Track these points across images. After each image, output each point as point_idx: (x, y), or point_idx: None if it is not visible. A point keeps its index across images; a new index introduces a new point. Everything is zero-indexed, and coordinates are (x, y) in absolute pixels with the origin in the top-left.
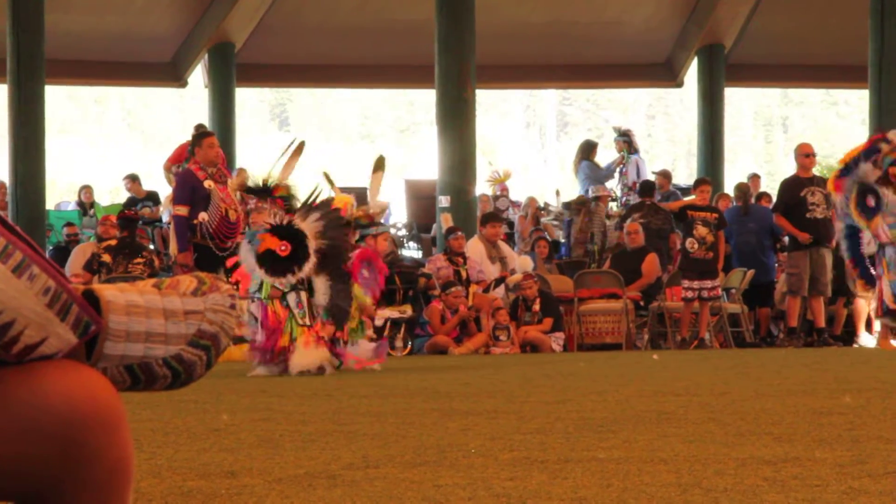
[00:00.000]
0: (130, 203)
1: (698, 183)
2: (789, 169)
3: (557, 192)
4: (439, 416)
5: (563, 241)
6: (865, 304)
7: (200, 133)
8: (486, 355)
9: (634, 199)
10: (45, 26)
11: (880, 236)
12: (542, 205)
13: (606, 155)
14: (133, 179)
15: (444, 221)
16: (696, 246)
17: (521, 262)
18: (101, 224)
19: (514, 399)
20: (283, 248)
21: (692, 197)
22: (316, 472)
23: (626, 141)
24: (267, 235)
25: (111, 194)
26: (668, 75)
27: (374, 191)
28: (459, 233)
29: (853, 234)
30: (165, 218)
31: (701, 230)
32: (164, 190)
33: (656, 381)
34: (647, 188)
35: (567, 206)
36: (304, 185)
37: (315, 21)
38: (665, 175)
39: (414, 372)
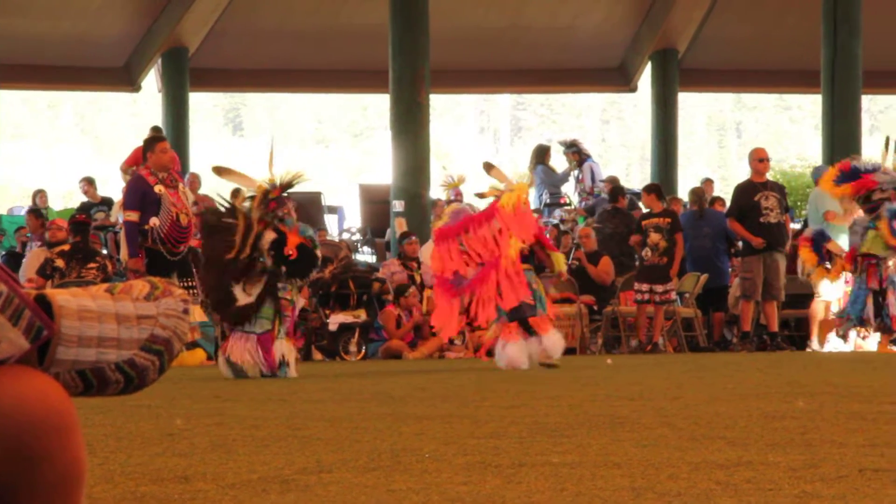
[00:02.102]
0: (85, 208)
1: (649, 189)
2: (742, 174)
3: None
4: (393, 421)
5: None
6: (820, 308)
7: (153, 138)
8: (440, 360)
9: (601, 203)
10: None
11: None
12: None
13: (561, 161)
14: (89, 183)
15: (398, 226)
16: (650, 253)
17: None
18: (49, 228)
19: (468, 403)
20: (292, 252)
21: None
22: (269, 477)
23: (576, 151)
24: (292, 233)
25: (64, 199)
26: (621, 80)
27: None
28: (413, 237)
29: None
30: (121, 219)
31: (654, 237)
32: (118, 195)
33: (610, 386)
34: (615, 193)
35: None
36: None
37: (269, 25)
38: (613, 181)
39: (368, 376)
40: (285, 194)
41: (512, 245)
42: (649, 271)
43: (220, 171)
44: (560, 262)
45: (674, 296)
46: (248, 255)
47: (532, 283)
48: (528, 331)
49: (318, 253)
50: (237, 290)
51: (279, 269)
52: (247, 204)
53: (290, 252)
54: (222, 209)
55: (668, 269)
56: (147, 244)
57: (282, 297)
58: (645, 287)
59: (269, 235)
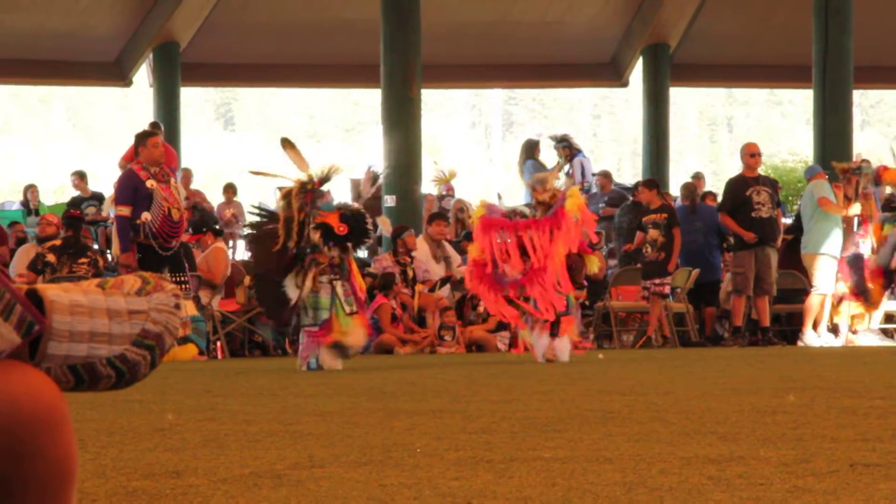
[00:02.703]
0: (76, 202)
1: (646, 184)
2: (734, 168)
3: (499, 196)
4: (385, 416)
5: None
6: (816, 302)
7: (145, 132)
8: (431, 354)
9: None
10: None
11: None
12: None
13: (551, 155)
14: (81, 177)
15: (383, 225)
16: (649, 249)
17: None
18: (39, 223)
19: (459, 398)
20: (341, 228)
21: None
22: (261, 472)
23: (566, 145)
24: (329, 214)
25: (55, 194)
26: (613, 75)
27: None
28: (412, 230)
29: None
30: (113, 214)
31: (652, 233)
32: (110, 190)
33: (602, 381)
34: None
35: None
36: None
37: (260, 20)
38: (606, 175)
39: (359, 371)
40: (324, 188)
41: (559, 251)
42: (649, 267)
43: (285, 143)
44: (593, 264)
45: (667, 290)
46: (296, 246)
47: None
48: (553, 331)
49: (361, 209)
50: (290, 288)
51: (346, 248)
52: (282, 202)
53: (341, 229)
54: (260, 218)
55: (665, 264)
56: (139, 239)
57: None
58: (647, 283)
59: (315, 235)
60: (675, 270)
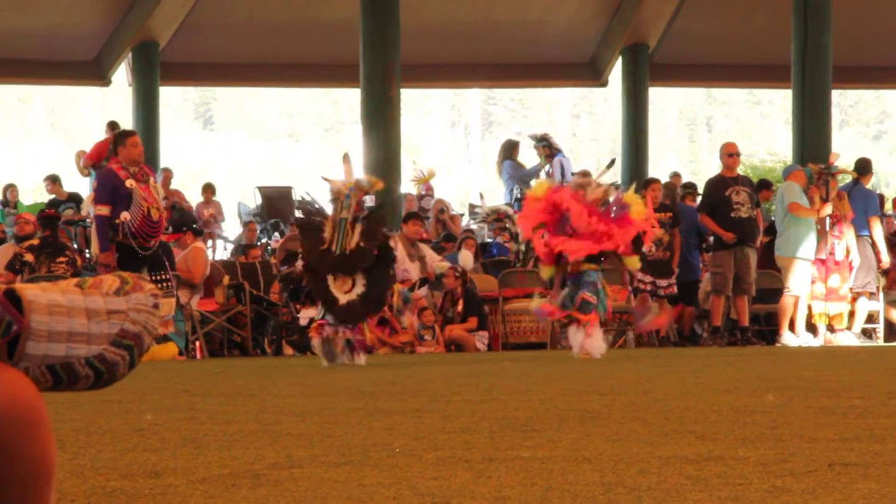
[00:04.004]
0: (54, 204)
1: (647, 183)
2: (713, 168)
3: (481, 196)
4: (364, 416)
5: (488, 240)
6: (790, 303)
7: (124, 132)
8: (410, 354)
9: None
10: None
11: None
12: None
13: (530, 156)
14: (53, 181)
15: (463, 259)
16: (653, 248)
17: (464, 258)
18: (17, 223)
19: (438, 398)
20: None
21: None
22: (240, 472)
23: (546, 145)
24: None
25: (34, 193)
26: (592, 74)
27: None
28: (392, 230)
29: None
30: (92, 213)
31: (657, 232)
32: (88, 189)
33: (580, 381)
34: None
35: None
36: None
37: (239, 20)
38: (585, 175)
39: (338, 371)
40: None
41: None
42: (653, 265)
43: (345, 158)
44: (634, 263)
45: (675, 289)
46: (342, 251)
47: (598, 281)
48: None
49: (392, 244)
50: (332, 286)
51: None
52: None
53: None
54: (311, 207)
55: (670, 263)
56: (118, 239)
57: None
58: (648, 279)
59: (352, 241)
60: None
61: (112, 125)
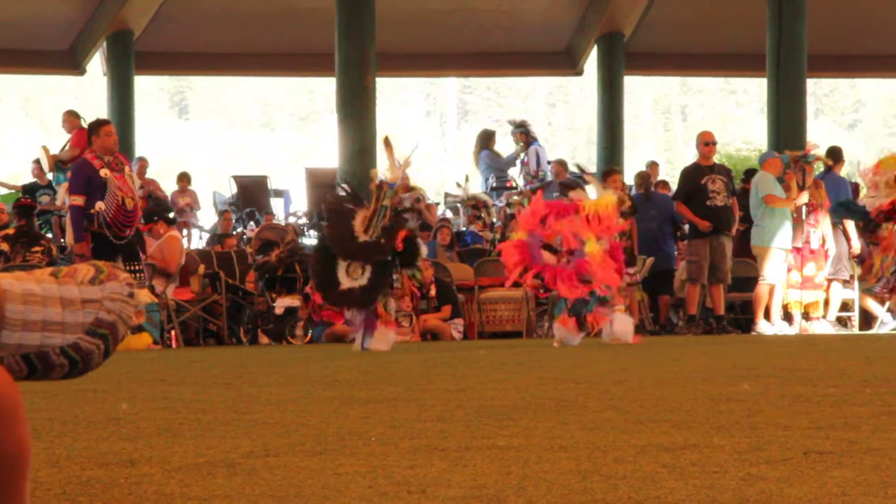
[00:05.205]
0: (30, 189)
1: (608, 173)
2: (688, 157)
3: (467, 178)
4: (339, 405)
5: (463, 228)
6: (765, 291)
7: (98, 121)
8: None
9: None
10: None
11: None
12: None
13: (506, 145)
14: (40, 165)
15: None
16: (618, 238)
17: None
18: None
19: (414, 387)
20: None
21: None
22: (215, 461)
23: (524, 132)
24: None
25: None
26: (568, 63)
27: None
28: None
29: None
30: (67, 203)
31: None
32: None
33: (556, 369)
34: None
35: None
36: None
37: (214, 9)
38: (561, 163)
39: (314, 360)
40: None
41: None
42: None
43: (387, 142)
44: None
45: (638, 277)
46: (371, 237)
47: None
48: (583, 326)
49: (419, 242)
50: (340, 272)
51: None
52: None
53: (397, 245)
54: (343, 194)
55: (632, 251)
56: (93, 228)
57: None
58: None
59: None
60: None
61: (70, 114)
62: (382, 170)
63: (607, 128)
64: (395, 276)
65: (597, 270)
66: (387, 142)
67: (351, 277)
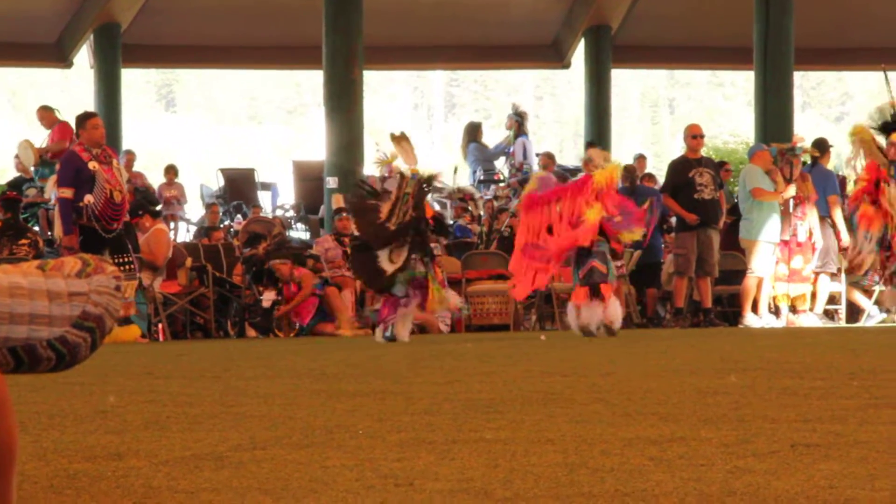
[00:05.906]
0: (16, 183)
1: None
2: (676, 150)
3: (455, 170)
4: (327, 398)
5: (451, 221)
6: (753, 284)
7: (85, 114)
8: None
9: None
10: None
11: None
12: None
13: (494, 135)
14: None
15: (336, 202)
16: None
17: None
18: None
19: (401, 380)
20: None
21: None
22: (203, 454)
23: (519, 121)
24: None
25: None
26: (555, 56)
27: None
28: (345, 213)
29: None
30: (55, 196)
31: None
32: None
33: (543, 362)
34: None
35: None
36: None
37: (201, 1)
38: (549, 156)
39: (301, 353)
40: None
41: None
42: None
43: (395, 138)
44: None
45: (625, 270)
46: (399, 224)
47: (606, 252)
48: (597, 294)
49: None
50: (384, 261)
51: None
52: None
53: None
54: (364, 191)
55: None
56: (81, 221)
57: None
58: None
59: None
60: None
61: (45, 109)
62: (398, 162)
63: (595, 121)
64: (433, 245)
65: (589, 231)
66: (400, 137)
67: (394, 263)
